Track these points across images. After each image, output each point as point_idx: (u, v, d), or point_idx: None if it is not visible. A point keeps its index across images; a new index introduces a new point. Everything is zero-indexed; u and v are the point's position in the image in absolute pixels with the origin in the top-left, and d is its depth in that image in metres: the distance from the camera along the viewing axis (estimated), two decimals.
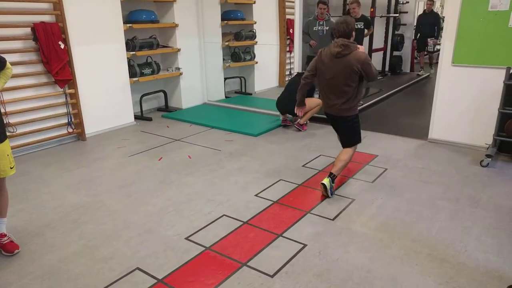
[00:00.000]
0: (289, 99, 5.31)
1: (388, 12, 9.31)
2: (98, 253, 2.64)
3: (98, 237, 2.82)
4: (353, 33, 3.27)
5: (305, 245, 2.69)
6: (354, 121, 3.44)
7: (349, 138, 3.52)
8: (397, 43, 9.78)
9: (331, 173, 3.39)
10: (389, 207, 3.20)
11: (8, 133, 3.47)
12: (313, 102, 5.30)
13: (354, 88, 3.27)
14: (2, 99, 4.10)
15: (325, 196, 3.37)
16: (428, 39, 8.90)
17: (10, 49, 4.21)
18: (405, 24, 10.02)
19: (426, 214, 3.09)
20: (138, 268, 2.48)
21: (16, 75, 4.14)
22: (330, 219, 3.03)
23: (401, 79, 8.97)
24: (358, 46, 3.29)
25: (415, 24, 9.87)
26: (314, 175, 3.84)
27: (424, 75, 9.33)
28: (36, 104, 4.54)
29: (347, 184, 3.65)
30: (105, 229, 2.93)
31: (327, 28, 6.09)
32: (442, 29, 7.45)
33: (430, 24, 8.78)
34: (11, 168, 2.60)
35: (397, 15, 9.58)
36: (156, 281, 2.36)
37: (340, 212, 3.12)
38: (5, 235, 2.65)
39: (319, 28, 6.02)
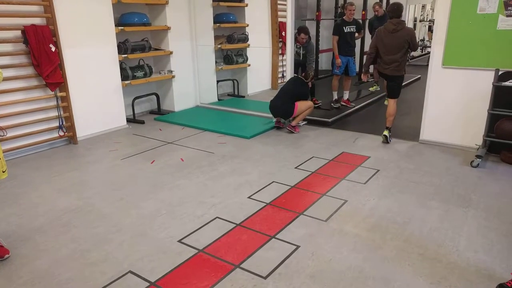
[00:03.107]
0: (282, 102, 5.34)
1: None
2: (90, 257, 2.62)
3: (89, 241, 2.80)
4: (402, 13, 4.57)
5: (298, 247, 2.69)
6: (400, 79, 4.76)
7: (394, 90, 4.78)
8: None
9: (387, 127, 4.80)
10: (381, 208, 3.22)
11: None
12: (305, 104, 5.33)
13: (403, 55, 4.56)
14: None
15: (385, 143, 4.74)
16: None
17: (0, 52, 4.17)
18: None
19: (418, 214, 3.11)
20: (130, 272, 2.46)
21: (6, 78, 4.11)
22: (323, 220, 3.04)
23: None
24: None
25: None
26: (307, 177, 3.86)
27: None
28: (26, 107, 4.50)
29: (340, 185, 3.67)
30: (97, 232, 2.91)
31: (303, 52, 6.11)
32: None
33: None
34: (3, 171, 2.58)
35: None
36: (148, 284, 2.35)
37: (333, 214, 3.13)
38: None
39: (296, 50, 6.05)
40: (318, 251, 2.64)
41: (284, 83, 5.85)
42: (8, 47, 4.28)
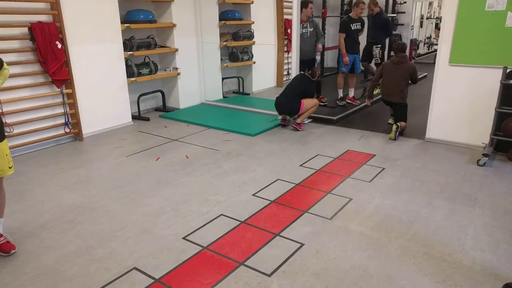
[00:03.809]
0: (287, 100, 5.33)
1: (386, 12, 9.32)
2: (95, 254, 2.63)
3: (94, 238, 2.82)
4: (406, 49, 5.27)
5: (302, 245, 2.69)
6: (405, 106, 5.17)
7: (402, 115, 5.16)
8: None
9: (397, 124, 5.00)
10: (386, 206, 3.21)
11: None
12: (310, 102, 5.31)
13: (406, 85, 5.09)
14: None
15: (391, 139, 4.89)
16: (374, 47, 7.28)
17: (7, 49, 4.20)
18: (402, 24, 10.03)
19: (423, 213, 3.09)
20: (135, 268, 2.47)
21: (13, 75, 4.12)
22: (327, 218, 3.03)
23: None
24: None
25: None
26: (311, 175, 3.84)
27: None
28: (33, 104, 4.52)
29: (345, 183, 3.65)
30: (102, 229, 2.93)
31: (311, 29, 6.03)
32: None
33: (378, 28, 7.31)
34: (9, 167, 2.60)
35: (395, 15, 9.59)
36: (153, 281, 2.36)
37: (338, 212, 3.12)
38: (2, 235, 2.64)
39: (303, 31, 5.94)
40: (323, 249, 2.63)
41: (290, 80, 5.82)
42: (15, 44, 4.31)
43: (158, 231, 2.90)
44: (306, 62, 5.98)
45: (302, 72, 5.64)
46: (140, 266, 2.49)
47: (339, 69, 6.50)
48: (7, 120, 4.20)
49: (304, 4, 5.79)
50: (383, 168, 3.97)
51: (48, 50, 4.41)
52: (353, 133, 5.14)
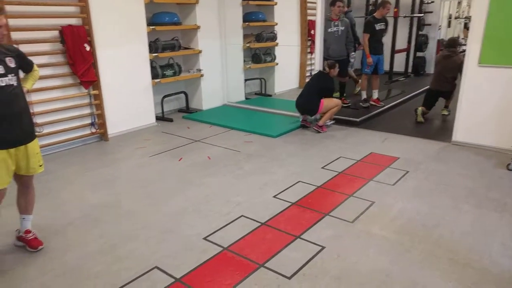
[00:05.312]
0: (305, 100, 5.29)
1: (412, 12, 9.13)
2: (118, 252, 2.68)
3: (117, 236, 2.87)
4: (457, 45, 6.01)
5: (323, 248, 2.66)
6: (453, 90, 5.67)
7: (451, 95, 5.79)
8: (421, 43, 9.57)
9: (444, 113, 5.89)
10: (410, 210, 3.14)
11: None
12: (332, 102, 5.25)
13: (452, 77, 5.57)
14: (30, 100, 4.23)
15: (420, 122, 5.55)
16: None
17: (39, 51, 4.34)
18: (429, 24, 9.81)
19: (448, 217, 3.01)
20: (156, 267, 2.51)
21: (44, 77, 4.25)
22: (349, 221, 2.99)
23: (424, 80, 8.76)
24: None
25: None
26: (333, 177, 3.81)
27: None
28: (61, 105, 4.66)
29: (367, 186, 3.60)
30: (125, 228, 2.99)
31: (343, 28, 5.93)
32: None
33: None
34: (40, 166, 2.68)
35: (422, 15, 9.38)
36: (174, 280, 2.39)
37: (360, 215, 3.08)
38: (30, 232, 2.74)
39: (334, 29, 5.87)
40: (344, 253, 2.60)
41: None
42: (46, 47, 4.45)
43: (180, 231, 2.93)
44: (337, 62, 5.84)
45: (320, 70, 5.54)
46: (162, 265, 2.53)
47: (362, 70, 6.41)
48: (37, 120, 4.34)
49: (332, 3, 5.76)
50: (407, 171, 3.89)
51: (77, 52, 4.54)
52: (377, 135, 5.06)
